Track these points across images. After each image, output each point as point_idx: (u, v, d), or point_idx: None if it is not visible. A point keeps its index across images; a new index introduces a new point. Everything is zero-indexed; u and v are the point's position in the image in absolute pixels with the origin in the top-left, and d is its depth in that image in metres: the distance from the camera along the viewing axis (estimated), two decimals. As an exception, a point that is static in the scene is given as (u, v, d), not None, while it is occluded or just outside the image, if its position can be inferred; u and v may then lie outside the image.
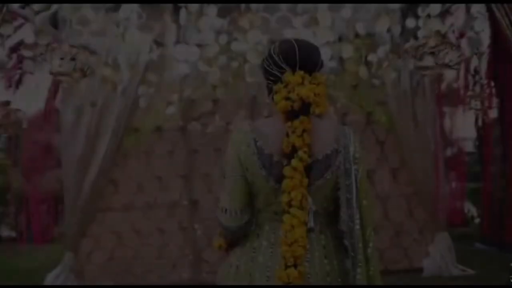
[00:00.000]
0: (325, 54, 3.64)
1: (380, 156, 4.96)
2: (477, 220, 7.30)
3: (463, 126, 5.90)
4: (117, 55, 3.32)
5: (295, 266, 1.45)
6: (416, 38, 4.17)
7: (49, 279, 4.57)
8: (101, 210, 4.76)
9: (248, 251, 1.60)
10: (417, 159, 4.77)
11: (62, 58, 2.26)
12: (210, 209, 4.72)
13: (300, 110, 1.50)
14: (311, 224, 1.52)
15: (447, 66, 2.26)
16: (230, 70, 4.26)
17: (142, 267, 4.80)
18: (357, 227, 1.53)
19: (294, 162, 1.47)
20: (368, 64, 4.01)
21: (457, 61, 2.30)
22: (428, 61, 2.23)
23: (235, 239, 1.66)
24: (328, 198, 1.59)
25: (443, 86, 5.60)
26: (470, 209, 7.12)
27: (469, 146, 7.32)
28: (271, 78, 1.59)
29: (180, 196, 4.86)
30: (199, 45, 3.81)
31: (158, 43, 4.38)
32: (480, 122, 6.64)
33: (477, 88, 5.80)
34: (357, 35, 4.03)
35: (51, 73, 2.30)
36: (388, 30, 3.53)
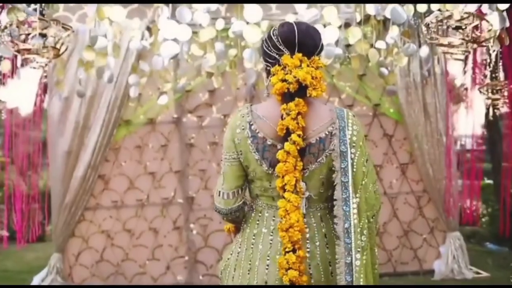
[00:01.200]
0: (330, 39, 3.33)
1: (388, 151, 4.69)
2: (485, 219, 7.04)
3: (472, 120, 5.62)
4: (102, 38, 3.01)
5: (293, 250, 1.46)
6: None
7: (35, 282, 4.38)
8: (90, 208, 4.52)
9: (248, 237, 1.61)
10: (428, 154, 4.49)
11: (28, 34, 1.95)
12: (206, 207, 4.54)
13: (296, 93, 1.49)
14: (303, 210, 1.53)
15: (476, 42, 1.95)
16: (227, 58, 4.02)
17: (134, 269, 4.56)
18: (354, 211, 1.48)
19: (287, 145, 1.47)
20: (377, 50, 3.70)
21: (488, 37, 1.99)
22: (454, 37, 1.91)
23: (233, 222, 1.70)
24: (324, 182, 1.57)
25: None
26: (480, 207, 6.83)
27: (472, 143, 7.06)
28: (270, 60, 1.58)
29: (174, 194, 4.61)
30: (194, 32, 3.53)
31: (151, 30, 4.11)
32: (491, 116, 6.37)
33: (487, 80, 5.53)
34: (365, 20, 3.75)
35: (17, 51, 1.99)
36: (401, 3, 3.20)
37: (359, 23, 3.63)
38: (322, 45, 1.58)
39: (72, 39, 4.41)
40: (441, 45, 2.07)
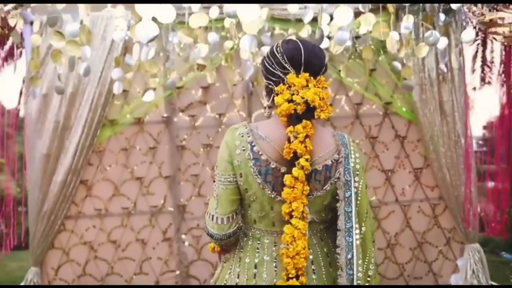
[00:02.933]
0: (343, 22, 2.95)
1: (400, 154, 4.28)
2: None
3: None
4: (74, 23, 2.60)
5: (296, 277, 1.45)
6: (449, 10, 3.50)
7: (10, 298, 3.96)
8: (71, 217, 4.15)
9: (249, 267, 1.57)
10: (444, 157, 4.09)
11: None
12: (199, 216, 4.18)
13: (303, 114, 1.47)
14: (307, 234, 1.50)
15: (536, 19, 1.54)
16: (222, 51, 3.67)
17: (119, 283, 4.18)
18: (357, 242, 1.50)
19: (295, 171, 1.44)
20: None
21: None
22: (506, 11, 1.50)
23: (225, 246, 1.66)
24: (326, 207, 1.59)
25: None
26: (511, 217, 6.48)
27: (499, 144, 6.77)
28: (273, 78, 1.54)
29: (164, 201, 4.24)
30: (182, 23, 3.18)
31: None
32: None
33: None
34: (377, 10, 3.38)
35: None
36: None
37: (373, 11, 3.26)
38: (327, 65, 1.56)
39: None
40: (486, 23, 1.66)
